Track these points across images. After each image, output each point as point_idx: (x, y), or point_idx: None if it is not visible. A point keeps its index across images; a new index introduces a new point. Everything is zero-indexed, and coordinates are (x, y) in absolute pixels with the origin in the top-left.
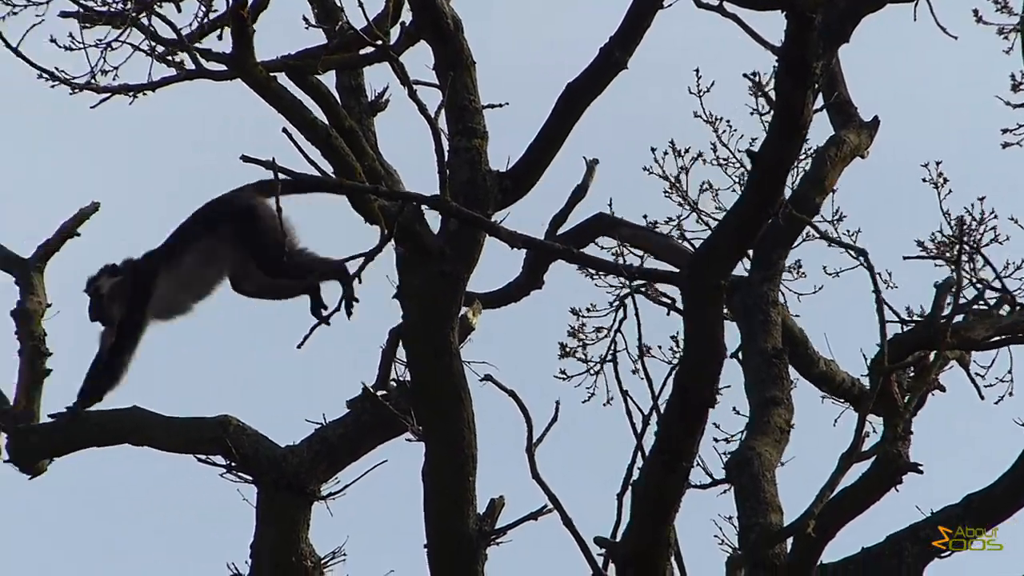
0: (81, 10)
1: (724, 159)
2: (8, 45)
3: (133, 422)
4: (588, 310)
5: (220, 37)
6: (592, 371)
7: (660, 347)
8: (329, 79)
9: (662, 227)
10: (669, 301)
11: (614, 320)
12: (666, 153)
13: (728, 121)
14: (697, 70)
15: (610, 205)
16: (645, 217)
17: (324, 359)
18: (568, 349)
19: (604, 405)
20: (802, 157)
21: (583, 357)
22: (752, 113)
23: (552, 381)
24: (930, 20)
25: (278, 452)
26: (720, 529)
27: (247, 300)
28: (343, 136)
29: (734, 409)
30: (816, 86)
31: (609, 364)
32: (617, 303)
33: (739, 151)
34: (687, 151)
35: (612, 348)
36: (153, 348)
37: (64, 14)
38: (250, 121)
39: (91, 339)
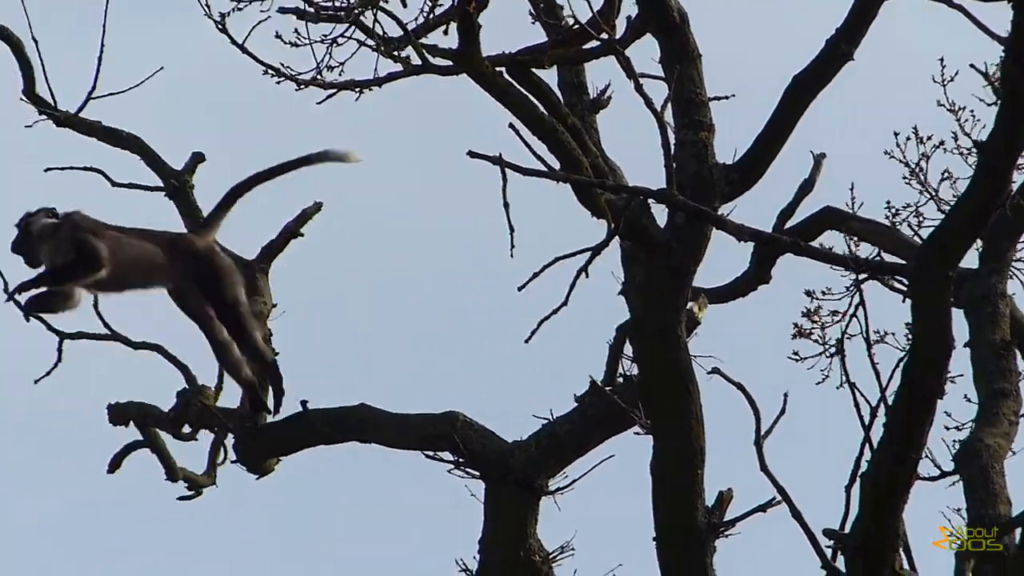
0: (306, 7)
1: (967, 149)
2: (234, 42)
3: (360, 419)
4: (823, 293)
5: (446, 32)
6: (828, 353)
7: (893, 334)
8: (551, 78)
9: (900, 215)
10: (904, 288)
11: (849, 304)
12: (908, 139)
13: (972, 111)
14: (942, 59)
15: (851, 189)
16: (888, 203)
17: (551, 354)
18: (803, 329)
19: (837, 388)
20: None
21: (820, 338)
22: (991, 105)
23: (779, 374)
24: None
25: (506, 448)
26: (948, 521)
27: (474, 298)
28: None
29: (965, 397)
30: None
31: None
32: (853, 287)
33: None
34: (929, 138)
35: (844, 334)
36: (379, 345)
37: (283, 9)
38: (474, 118)
39: (316, 340)
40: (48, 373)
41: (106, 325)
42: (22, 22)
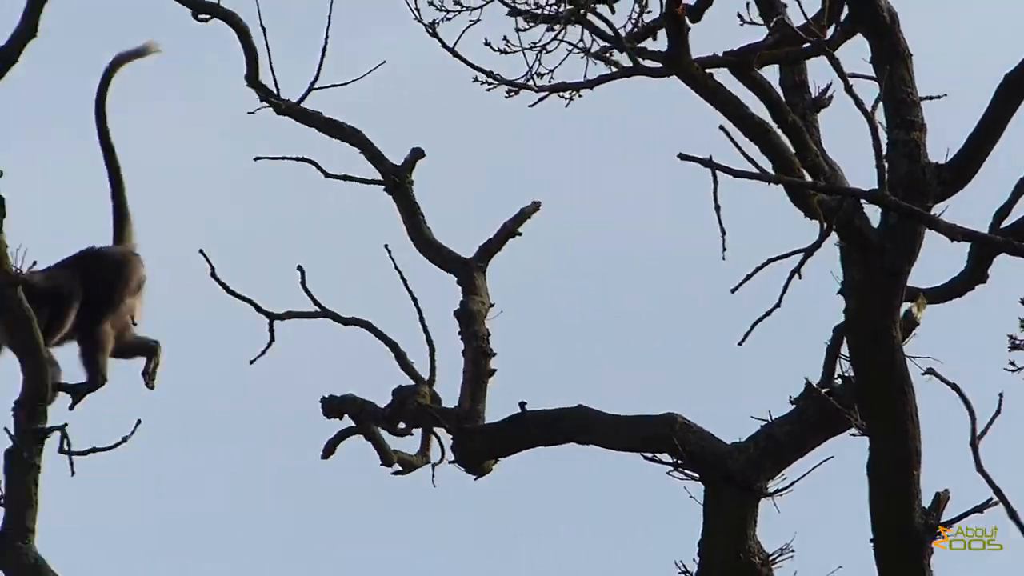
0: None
1: None
2: (445, 46)
3: (578, 421)
4: None
5: (655, 38)
6: None
7: None
8: (772, 76)
9: None
10: None
11: None
12: None
13: None
14: None
15: None
16: None
17: (767, 355)
18: (1018, 341)
19: None
20: None
21: None
22: None
23: (997, 374)
24: None
25: (724, 449)
26: None
27: (687, 300)
28: (786, 132)
29: None
30: None
31: None
32: None
33: None
34: None
35: None
36: (595, 346)
37: (512, 11)
38: (685, 119)
39: (533, 341)
40: (262, 353)
41: (315, 302)
42: (251, 8)
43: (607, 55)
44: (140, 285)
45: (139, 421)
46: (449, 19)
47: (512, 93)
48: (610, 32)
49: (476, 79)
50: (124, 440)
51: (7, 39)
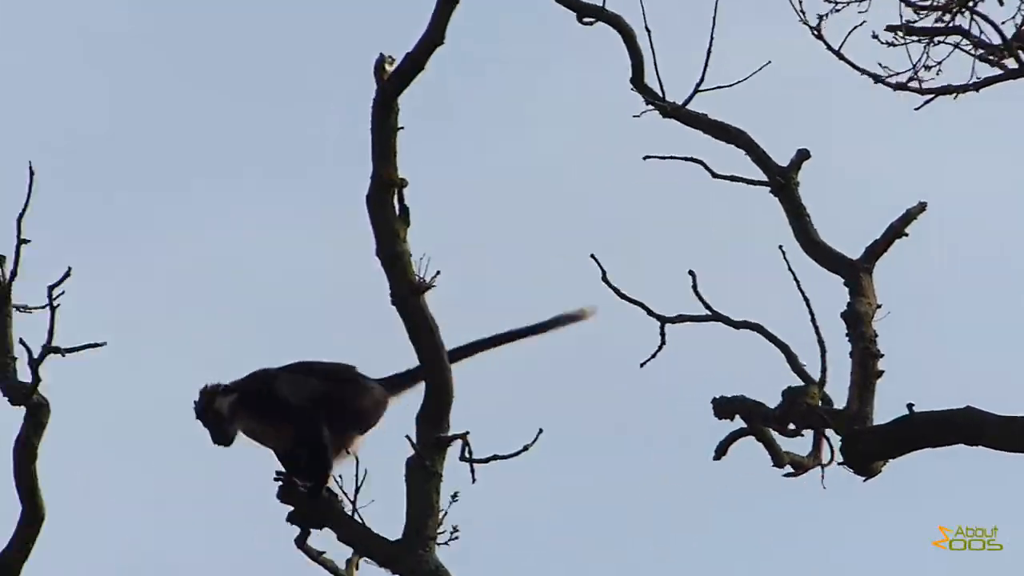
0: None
1: None
2: (829, 48)
3: (968, 422)
4: None
5: None
6: None
7: None
8: None
9: None
10: None
11: None
12: None
13: None
14: None
15: None
16: None
17: None
18: None
19: None
20: None
21: None
22: None
23: None
24: None
25: None
26: None
27: None
28: None
29: None
30: None
31: None
32: None
33: None
34: None
35: None
36: (984, 345)
37: (889, 27)
38: None
39: (921, 342)
40: (653, 356)
41: (706, 306)
42: (636, 12)
43: (993, 56)
44: (369, 427)
45: (540, 431)
46: (838, 10)
47: (898, 91)
48: (997, 36)
49: (863, 75)
50: (526, 448)
51: (415, 45)
